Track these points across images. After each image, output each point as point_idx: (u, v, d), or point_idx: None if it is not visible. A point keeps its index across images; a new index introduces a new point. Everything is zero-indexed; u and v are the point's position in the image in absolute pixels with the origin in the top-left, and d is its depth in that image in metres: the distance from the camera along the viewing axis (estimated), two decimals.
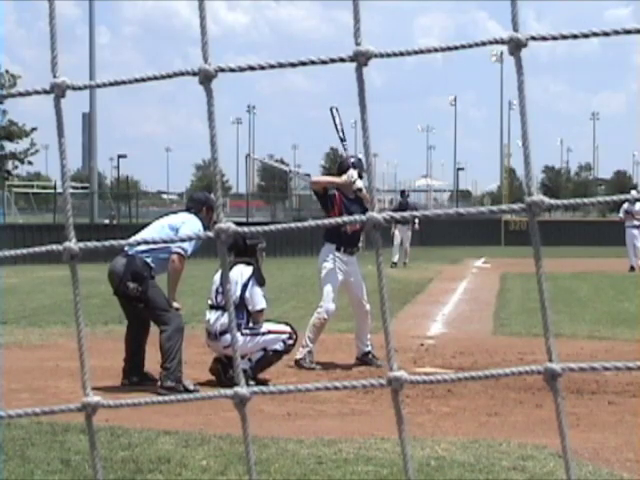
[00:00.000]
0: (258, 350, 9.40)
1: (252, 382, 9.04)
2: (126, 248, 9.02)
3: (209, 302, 9.70)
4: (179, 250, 8.89)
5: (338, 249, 10.51)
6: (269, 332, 9.46)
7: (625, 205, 28.25)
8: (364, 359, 10.61)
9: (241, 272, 9.52)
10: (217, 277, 9.57)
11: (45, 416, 6.32)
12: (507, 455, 6.42)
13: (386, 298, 1.43)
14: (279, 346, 9.43)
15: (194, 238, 1.60)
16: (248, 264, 9.59)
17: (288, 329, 9.56)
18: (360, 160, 10.85)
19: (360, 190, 10.44)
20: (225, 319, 9.38)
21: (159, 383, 8.80)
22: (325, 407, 8.21)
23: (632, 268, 28.10)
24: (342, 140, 11.14)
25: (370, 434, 7.03)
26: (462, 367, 10.26)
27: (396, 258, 28.37)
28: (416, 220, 27.58)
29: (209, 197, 9.44)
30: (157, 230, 9.09)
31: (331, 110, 11.44)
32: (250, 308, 9.51)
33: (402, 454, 1.40)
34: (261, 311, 9.56)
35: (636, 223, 28.44)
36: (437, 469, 6.09)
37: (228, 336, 9.30)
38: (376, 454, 6.42)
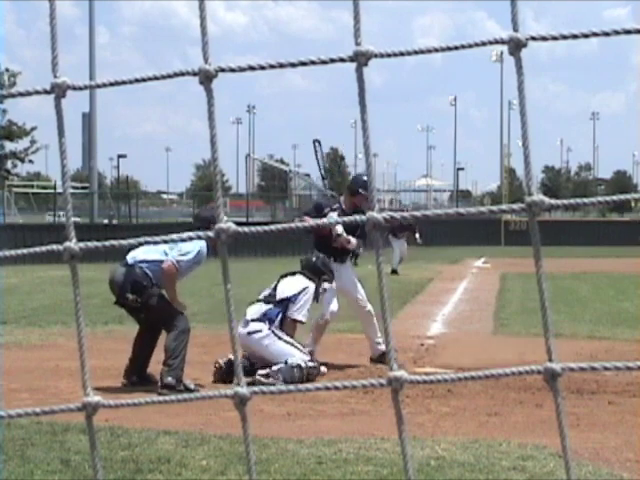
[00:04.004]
0: (278, 357, 9.38)
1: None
2: (128, 258, 9.10)
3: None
4: (171, 259, 8.94)
5: (329, 258, 10.58)
6: (291, 344, 9.52)
7: None
8: (380, 359, 10.46)
9: (302, 281, 9.81)
10: (280, 283, 9.83)
11: (45, 416, 6.32)
12: (507, 455, 6.42)
13: (386, 298, 1.43)
14: (301, 361, 9.37)
15: (194, 238, 1.60)
16: (311, 279, 9.87)
17: (308, 355, 9.61)
18: (335, 198, 11.19)
19: (339, 235, 10.55)
20: (255, 311, 9.56)
21: (159, 381, 8.81)
22: (325, 407, 8.21)
23: None
24: (323, 178, 11.43)
25: (370, 434, 7.03)
26: (462, 367, 10.25)
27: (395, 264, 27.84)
28: (417, 235, 27.80)
29: (215, 215, 9.45)
30: (160, 250, 9.11)
31: (314, 143, 11.79)
32: (289, 313, 9.61)
33: (402, 454, 1.40)
34: (296, 322, 9.67)
35: None
36: (437, 469, 6.09)
37: (255, 336, 9.41)
38: (376, 454, 6.42)
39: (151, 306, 8.96)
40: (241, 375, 1.46)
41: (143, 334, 9.31)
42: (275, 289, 9.80)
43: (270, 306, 9.62)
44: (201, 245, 8.98)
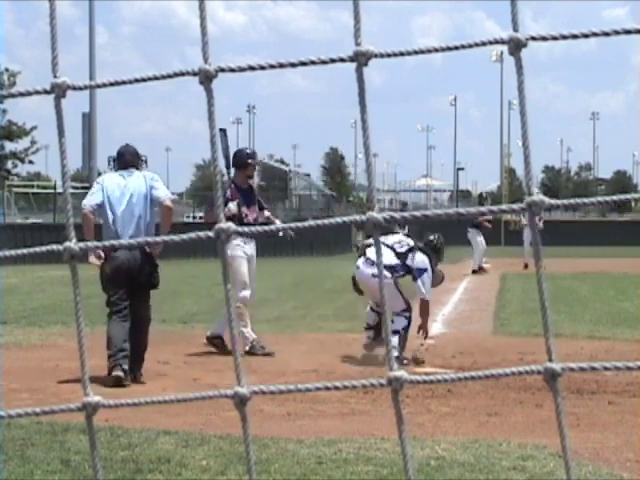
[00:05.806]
0: (394, 309, 9.98)
1: (405, 362, 9.98)
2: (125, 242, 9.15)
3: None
4: (169, 197, 9.36)
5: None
6: (404, 297, 10.23)
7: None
8: (212, 342, 11.00)
9: (425, 260, 10.41)
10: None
11: (45, 416, 6.32)
12: (507, 455, 6.42)
13: (387, 298, 1.43)
14: (406, 322, 10.21)
15: (194, 238, 1.59)
16: (429, 258, 10.50)
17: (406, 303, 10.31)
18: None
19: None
20: (386, 257, 10.00)
21: (136, 373, 9.17)
22: (325, 407, 8.20)
23: (526, 266, 28.37)
24: (227, 168, 11.66)
25: (370, 434, 7.03)
26: (462, 367, 10.26)
27: (475, 265, 27.54)
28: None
29: (136, 149, 9.81)
30: (140, 204, 9.24)
31: (220, 132, 12.25)
32: (420, 295, 10.42)
33: (402, 454, 1.40)
34: (426, 302, 10.52)
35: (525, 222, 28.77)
36: (437, 469, 6.09)
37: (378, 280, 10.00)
38: (376, 454, 6.42)
39: (154, 287, 9.34)
40: (241, 375, 1.46)
41: (122, 325, 9.24)
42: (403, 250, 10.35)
43: (399, 262, 10.26)
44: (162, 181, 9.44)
